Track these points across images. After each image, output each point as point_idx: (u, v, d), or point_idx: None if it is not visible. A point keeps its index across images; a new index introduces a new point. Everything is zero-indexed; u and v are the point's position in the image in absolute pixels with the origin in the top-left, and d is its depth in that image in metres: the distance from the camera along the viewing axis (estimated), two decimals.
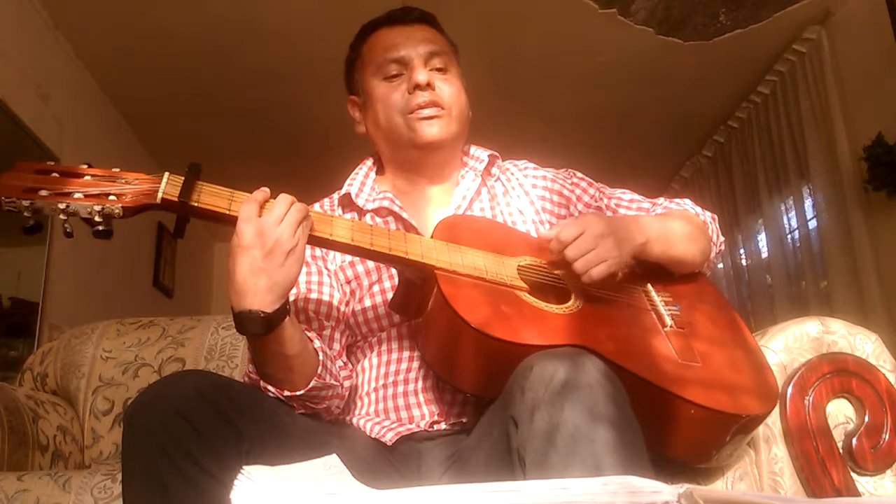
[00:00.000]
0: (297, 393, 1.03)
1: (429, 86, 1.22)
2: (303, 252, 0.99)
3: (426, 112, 1.22)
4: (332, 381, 1.09)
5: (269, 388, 1.03)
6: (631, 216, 1.26)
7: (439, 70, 1.26)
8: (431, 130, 1.22)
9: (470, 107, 1.32)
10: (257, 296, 0.96)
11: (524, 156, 1.38)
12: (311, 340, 1.09)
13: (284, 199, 1.00)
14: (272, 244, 0.96)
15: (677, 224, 1.24)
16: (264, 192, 1.01)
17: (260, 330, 0.97)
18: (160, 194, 0.97)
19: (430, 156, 1.26)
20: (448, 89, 1.25)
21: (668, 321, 1.14)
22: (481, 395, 1.05)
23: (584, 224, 1.09)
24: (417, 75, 1.22)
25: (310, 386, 1.04)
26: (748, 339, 1.20)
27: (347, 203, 1.29)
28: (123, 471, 0.88)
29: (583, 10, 3.15)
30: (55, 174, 0.97)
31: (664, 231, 1.20)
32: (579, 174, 1.35)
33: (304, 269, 1.21)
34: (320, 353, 1.08)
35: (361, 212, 1.27)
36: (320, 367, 1.06)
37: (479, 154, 1.32)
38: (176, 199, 0.97)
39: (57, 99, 3.10)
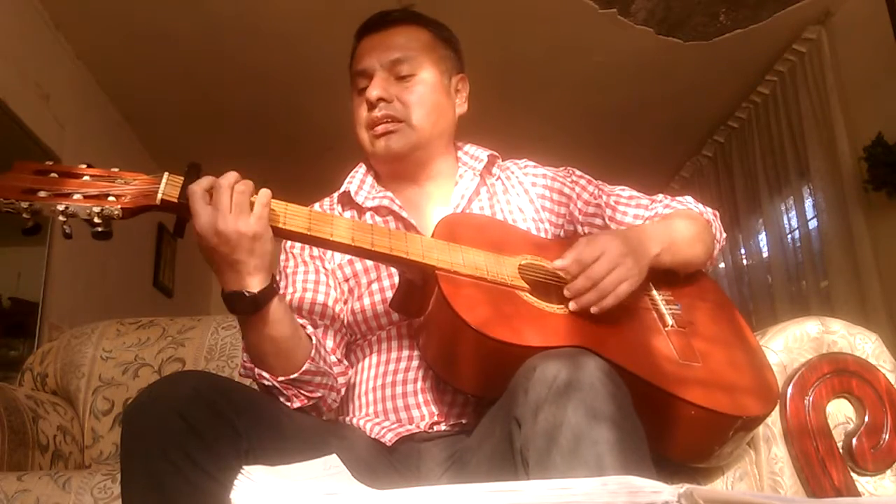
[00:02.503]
0: (292, 377, 1.04)
1: (382, 99, 1.22)
2: (267, 229, 0.98)
3: (380, 128, 1.23)
4: (326, 368, 1.09)
5: (264, 374, 1.04)
6: (639, 227, 1.25)
7: (403, 78, 1.24)
8: (387, 144, 1.23)
9: (465, 102, 1.32)
10: (239, 281, 0.98)
11: (524, 155, 1.38)
12: (304, 327, 1.10)
13: (224, 185, 0.97)
14: (235, 238, 0.95)
15: (683, 226, 1.24)
16: (208, 178, 0.98)
17: (249, 309, 0.99)
18: (160, 195, 0.97)
19: (397, 166, 1.27)
20: (410, 97, 1.24)
21: (669, 320, 1.14)
22: (482, 395, 1.05)
23: (603, 246, 1.07)
24: (370, 91, 1.23)
25: (303, 369, 1.04)
26: (749, 338, 1.20)
27: (347, 201, 1.29)
28: (122, 471, 0.88)
29: (583, 10, 3.15)
30: (54, 174, 0.97)
31: (673, 237, 1.20)
32: (578, 172, 1.35)
33: (301, 269, 1.22)
34: (313, 338, 1.09)
35: (361, 209, 1.27)
36: (313, 351, 1.07)
37: (478, 153, 1.32)
38: (175, 200, 0.97)
39: (57, 99, 3.10)
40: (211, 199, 0.97)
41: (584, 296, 1.05)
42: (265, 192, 1.00)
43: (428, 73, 1.27)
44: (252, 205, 0.98)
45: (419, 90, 1.25)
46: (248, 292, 0.98)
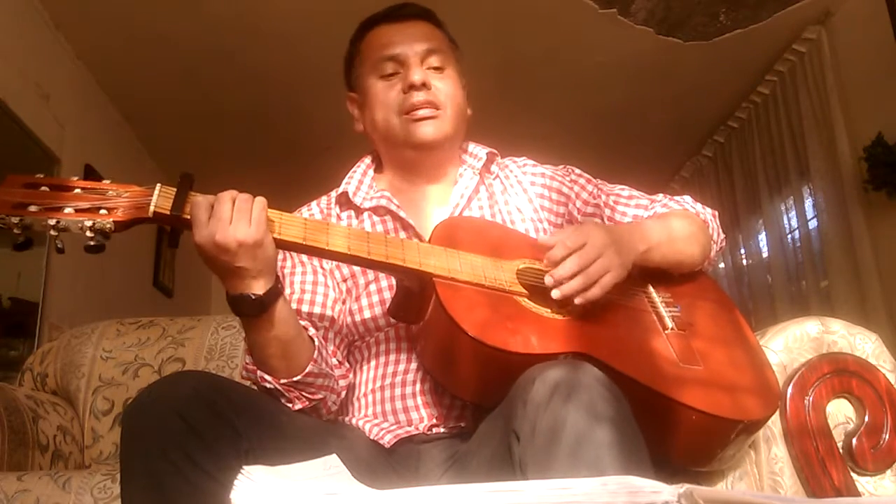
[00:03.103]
0: (294, 379, 1.04)
1: (424, 85, 1.21)
2: (265, 235, 0.98)
3: (421, 113, 1.21)
4: (328, 370, 1.09)
5: (266, 376, 1.04)
6: (628, 224, 1.24)
7: (436, 69, 1.24)
8: (427, 131, 1.22)
9: (469, 104, 1.31)
10: (244, 286, 0.98)
11: (523, 154, 1.38)
12: (306, 328, 1.10)
13: (225, 197, 0.98)
14: (235, 247, 0.95)
15: (677, 225, 1.23)
16: (209, 197, 0.99)
17: (254, 311, 0.98)
18: (152, 208, 0.96)
19: (426, 156, 1.26)
20: (444, 88, 1.24)
21: (669, 323, 1.13)
22: (481, 402, 1.04)
23: (587, 234, 1.06)
24: (413, 75, 1.21)
25: (306, 371, 1.04)
26: (750, 339, 1.20)
27: (345, 201, 1.28)
28: (122, 471, 0.88)
29: (583, 10, 3.15)
30: (45, 188, 0.96)
31: (664, 235, 1.19)
32: (577, 171, 1.34)
33: (299, 270, 1.21)
34: (315, 340, 1.09)
35: (359, 210, 1.26)
36: (315, 353, 1.06)
37: (478, 152, 1.32)
38: (168, 213, 0.96)
39: (57, 99, 3.10)
40: (212, 211, 0.97)
41: (568, 283, 1.02)
42: (261, 199, 1.00)
43: (453, 69, 1.27)
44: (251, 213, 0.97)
45: (451, 83, 1.25)
46: (255, 295, 0.97)
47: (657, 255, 1.16)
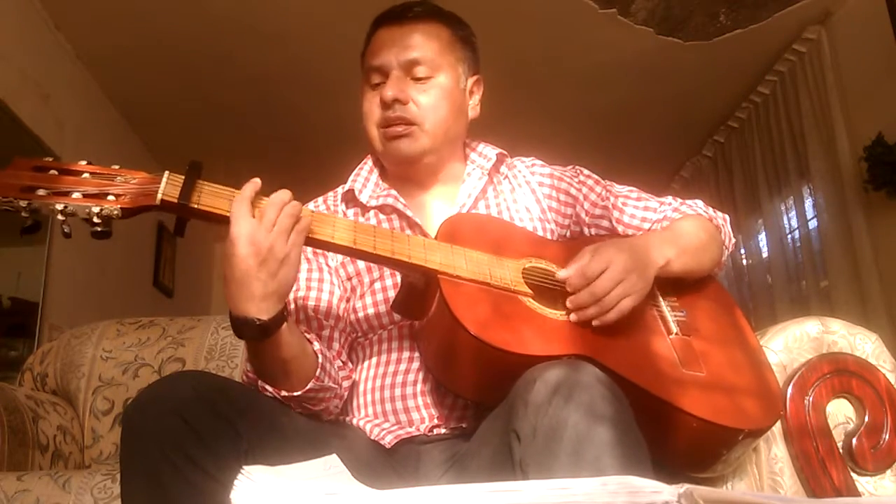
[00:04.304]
0: (295, 394, 1.03)
1: (397, 101, 1.19)
2: (297, 259, 0.97)
3: (392, 130, 1.21)
4: (331, 384, 1.08)
5: (267, 387, 1.03)
6: (646, 237, 1.23)
7: (419, 80, 1.22)
8: (399, 147, 1.21)
9: (473, 108, 1.30)
10: (252, 303, 0.95)
11: (523, 154, 1.37)
12: (311, 342, 1.08)
13: (276, 202, 0.96)
14: (265, 253, 0.94)
15: (693, 233, 1.22)
16: (255, 184, 0.97)
17: (256, 336, 0.96)
18: (160, 195, 0.95)
19: (407, 169, 1.26)
20: (424, 101, 1.21)
21: (674, 328, 1.13)
22: (481, 402, 1.04)
23: (608, 259, 1.06)
24: (386, 90, 1.20)
25: (307, 388, 1.03)
26: (753, 346, 1.19)
27: (351, 199, 1.28)
28: (122, 472, 0.89)
29: (583, 10, 3.15)
30: (53, 171, 0.95)
31: (682, 246, 1.19)
32: (586, 172, 1.34)
33: (305, 266, 1.20)
34: (319, 356, 1.07)
35: (365, 208, 1.26)
36: (318, 370, 1.05)
37: (488, 152, 1.31)
38: (175, 201, 0.95)
39: (57, 99, 3.10)
40: (253, 209, 0.95)
41: (586, 310, 1.05)
42: (306, 220, 0.98)
43: (445, 76, 1.24)
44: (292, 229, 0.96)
45: (435, 94, 1.22)
46: (259, 320, 0.95)
47: (676, 267, 1.16)
